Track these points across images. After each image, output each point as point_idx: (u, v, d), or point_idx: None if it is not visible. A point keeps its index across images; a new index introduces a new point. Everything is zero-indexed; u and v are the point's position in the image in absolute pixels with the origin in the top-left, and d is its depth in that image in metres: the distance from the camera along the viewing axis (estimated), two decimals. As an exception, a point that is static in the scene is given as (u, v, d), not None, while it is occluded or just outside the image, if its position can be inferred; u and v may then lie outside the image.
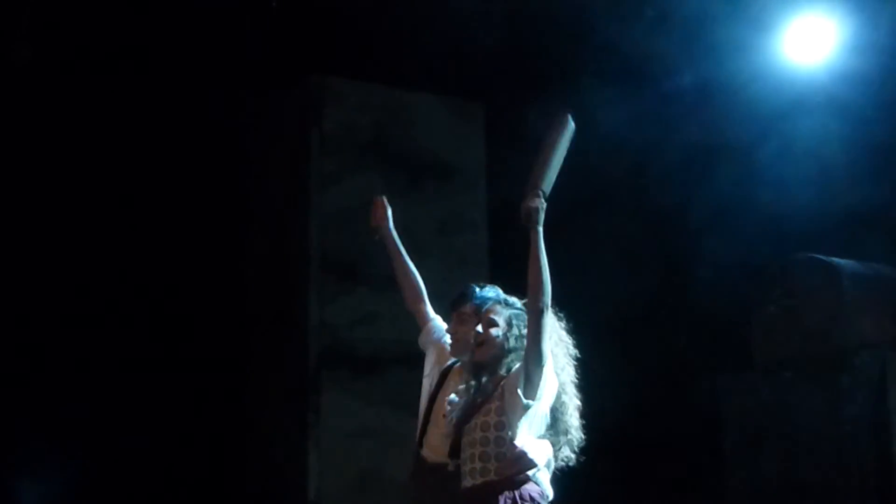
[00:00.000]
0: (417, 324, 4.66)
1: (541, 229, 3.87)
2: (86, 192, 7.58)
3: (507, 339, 4.02)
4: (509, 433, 3.88)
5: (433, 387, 4.46)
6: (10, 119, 7.02)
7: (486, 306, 4.15)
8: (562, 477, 4.06)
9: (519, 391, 3.88)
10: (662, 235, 8.30)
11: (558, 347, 4.07)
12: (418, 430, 4.41)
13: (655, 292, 8.20)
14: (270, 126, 8.48)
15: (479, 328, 4.08)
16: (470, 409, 4.03)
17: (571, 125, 4.07)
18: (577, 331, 4.16)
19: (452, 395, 4.30)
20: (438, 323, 4.62)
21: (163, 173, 7.80)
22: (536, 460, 3.90)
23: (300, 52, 7.67)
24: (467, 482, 3.95)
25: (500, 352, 4.02)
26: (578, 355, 4.13)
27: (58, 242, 7.48)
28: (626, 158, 7.90)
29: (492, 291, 4.33)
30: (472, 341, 4.13)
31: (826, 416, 6.79)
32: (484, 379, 4.05)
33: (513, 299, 4.13)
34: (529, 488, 3.90)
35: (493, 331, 4.04)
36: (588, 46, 7.36)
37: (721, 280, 7.58)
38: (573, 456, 4.06)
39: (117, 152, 7.62)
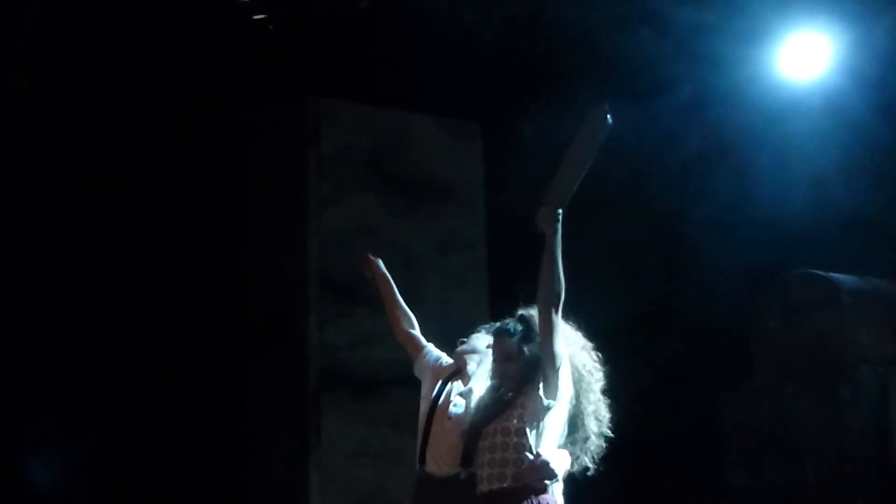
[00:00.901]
0: (410, 355, 4.72)
1: (559, 231, 3.89)
2: (85, 212, 7.59)
3: (526, 365, 4.02)
4: (529, 441, 3.88)
5: (433, 397, 4.46)
6: (12, 139, 7.04)
7: (496, 341, 4.17)
8: (566, 488, 4.05)
9: (540, 393, 3.89)
10: (661, 247, 8.31)
11: (583, 353, 4.09)
12: (419, 447, 4.37)
13: (655, 304, 8.20)
14: (269, 148, 8.49)
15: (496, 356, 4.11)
16: (490, 413, 4.03)
17: (608, 121, 3.92)
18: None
19: (458, 402, 4.30)
20: (432, 349, 4.69)
21: (163, 194, 7.81)
22: (557, 471, 3.89)
23: (298, 75, 7.70)
24: (483, 487, 3.94)
25: (524, 374, 4.02)
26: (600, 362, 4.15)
27: (63, 264, 7.49)
28: (623, 172, 7.91)
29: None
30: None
31: (827, 430, 6.79)
32: (504, 386, 4.06)
33: (512, 324, 4.13)
34: (546, 498, 3.89)
35: (510, 365, 4.05)
36: (584, 62, 7.37)
37: (722, 292, 7.58)
38: (591, 464, 4.06)
39: (116, 172, 7.64)
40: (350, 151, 8.12)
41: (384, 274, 4.88)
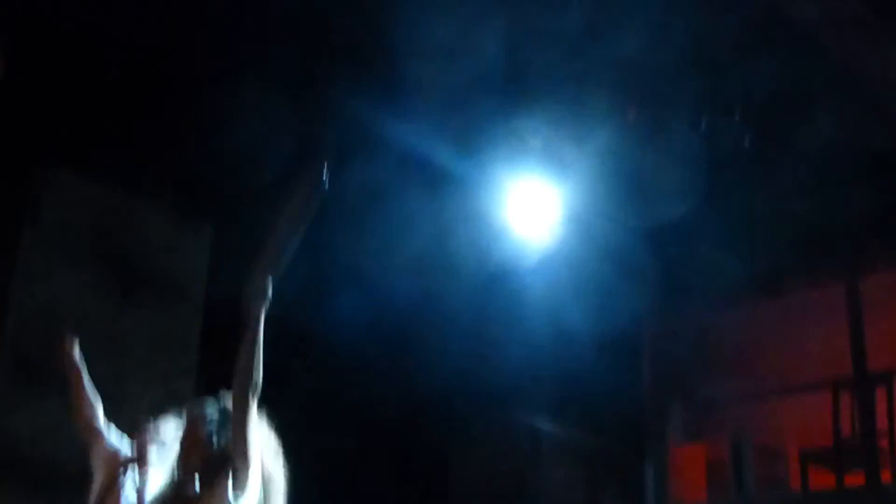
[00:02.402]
0: (87, 443, 4.54)
1: (263, 314, 3.70)
2: None
3: (212, 458, 3.78)
4: None
5: (104, 488, 4.22)
6: None
7: (187, 425, 3.96)
8: None
9: (228, 492, 3.65)
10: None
11: (275, 460, 3.90)
12: None
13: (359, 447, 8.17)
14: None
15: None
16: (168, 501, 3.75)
17: (324, 184, 3.73)
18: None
19: (132, 496, 4.06)
20: (111, 437, 4.54)
21: None
22: None
23: (22, 141, 7.28)
24: None
25: (208, 467, 3.77)
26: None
27: None
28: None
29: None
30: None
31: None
32: (187, 479, 3.79)
33: (209, 410, 3.92)
34: None
35: (195, 454, 3.82)
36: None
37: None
38: None
39: None
40: (70, 228, 7.72)
41: (74, 358, 4.65)
